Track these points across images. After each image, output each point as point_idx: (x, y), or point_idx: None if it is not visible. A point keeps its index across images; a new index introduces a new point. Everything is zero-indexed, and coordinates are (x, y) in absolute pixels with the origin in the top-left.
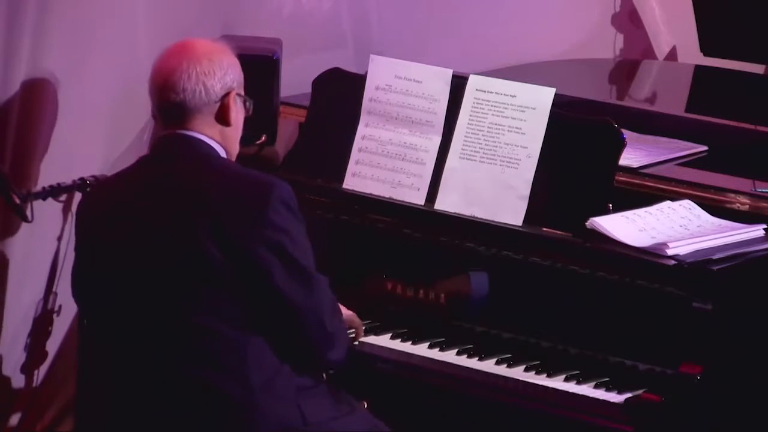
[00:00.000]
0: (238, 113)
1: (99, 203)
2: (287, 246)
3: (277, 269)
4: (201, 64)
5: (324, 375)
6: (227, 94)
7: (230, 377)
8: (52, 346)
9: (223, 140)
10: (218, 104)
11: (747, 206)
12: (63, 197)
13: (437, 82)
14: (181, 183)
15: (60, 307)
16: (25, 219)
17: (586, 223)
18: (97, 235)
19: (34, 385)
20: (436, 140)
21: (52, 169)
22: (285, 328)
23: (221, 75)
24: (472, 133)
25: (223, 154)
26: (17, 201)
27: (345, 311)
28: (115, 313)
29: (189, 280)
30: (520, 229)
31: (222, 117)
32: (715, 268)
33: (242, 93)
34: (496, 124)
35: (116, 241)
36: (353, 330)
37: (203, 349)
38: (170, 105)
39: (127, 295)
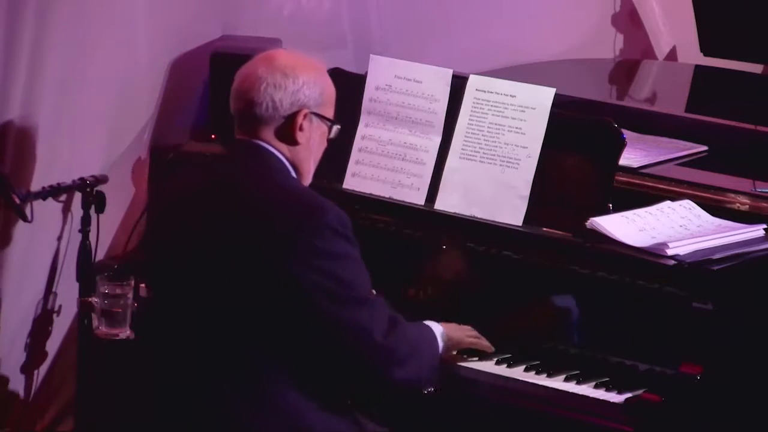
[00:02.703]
0: (312, 133)
1: (172, 192)
2: (334, 270)
3: (323, 294)
4: (274, 77)
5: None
6: (298, 112)
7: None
8: (52, 346)
9: (292, 157)
10: (286, 120)
11: (747, 206)
12: (63, 197)
13: (437, 82)
14: (236, 194)
15: (60, 307)
16: (25, 219)
17: (586, 223)
18: (160, 225)
19: (34, 385)
20: (436, 140)
21: (52, 169)
22: (337, 354)
23: (293, 90)
24: (472, 133)
25: (291, 169)
26: (17, 201)
27: (458, 334)
28: (162, 303)
29: (222, 295)
30: (520, 229)
31: (288, 134)
32: (715, 268)
33: (324, 114)
34: (496, 124)
35: (171, 235)
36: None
37: (229, 365)
38: (241, 112)
39: (172, 289)
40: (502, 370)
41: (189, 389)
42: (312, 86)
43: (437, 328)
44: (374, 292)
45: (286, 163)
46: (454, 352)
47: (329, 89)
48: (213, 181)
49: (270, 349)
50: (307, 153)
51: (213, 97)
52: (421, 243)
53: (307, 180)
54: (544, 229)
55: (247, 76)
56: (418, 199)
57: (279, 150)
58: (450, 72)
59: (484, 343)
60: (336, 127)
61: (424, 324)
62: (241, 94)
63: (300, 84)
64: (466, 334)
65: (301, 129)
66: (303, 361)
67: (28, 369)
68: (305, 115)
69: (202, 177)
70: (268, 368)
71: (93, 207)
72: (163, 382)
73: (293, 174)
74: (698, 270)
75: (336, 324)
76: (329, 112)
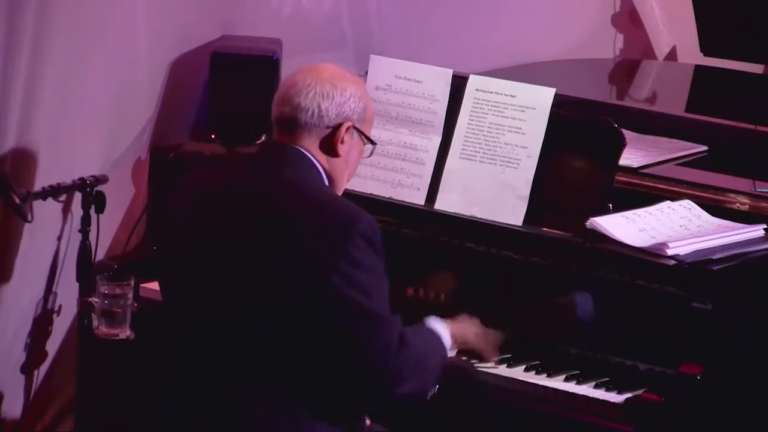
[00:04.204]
0: (351, 147)
1: (191, 193)
2: (361, 281)
3: (346, 303)
4: (323, 85)
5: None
6: (341, 124)
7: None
8: (52, 346)
9: (330, 169)
10: (329, 130)
11: (747, 206)
12: (63, 197)
13: (437, 82)
14: (272, 197)
15: (60, 307)
16: (25, 219)
17: (586, 223)
18: (181, 224)
19: (34, 385)
20: (436, 140)
21: (52, 169)
22: (345, 363)
23: (340, 102)
24: (472, 133)
25: (326, 178)
26: (17, 201)
27: (471, 337)
28: (183, 304)
29: (251, 293)
30: (520, 229)
31: (329, 144)
32: (715, 268)
33: (364, 131)
34: (496, 124)
35: (196, 234)
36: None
37: (248, 362)
38: (284, 117)
39: (194, 291)
40: (502, 370)
41: (202, 392)
42: (357, 100)
43: (444, 331)
44: None
45: (323, 172)
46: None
47: (371, 108)
48: (246, 181)
49: (285, 353)
50: (344, 166)
51: (213, 97)
52: (421, 243)
53: (341, 190)
54: (544, 229)
55: (295, 83)
56: (418, 199)
57: (317, 159)
58: (450, 72)
59: (491, 339)
60: (372, 147)
61: (431, 330)
62: (288, 99)
63: (347, 96)
64: (473, 331)
65: (342, 142)
66: (311, 368)
67: (28, 369)
68: (348, 129)
69: (233, 176)
70: (280, 372)
71: (93, 207)
72: (175, 385)
73: (327, 183)
74: (698, 270)
75: (352, 336)
76: (369, 131)
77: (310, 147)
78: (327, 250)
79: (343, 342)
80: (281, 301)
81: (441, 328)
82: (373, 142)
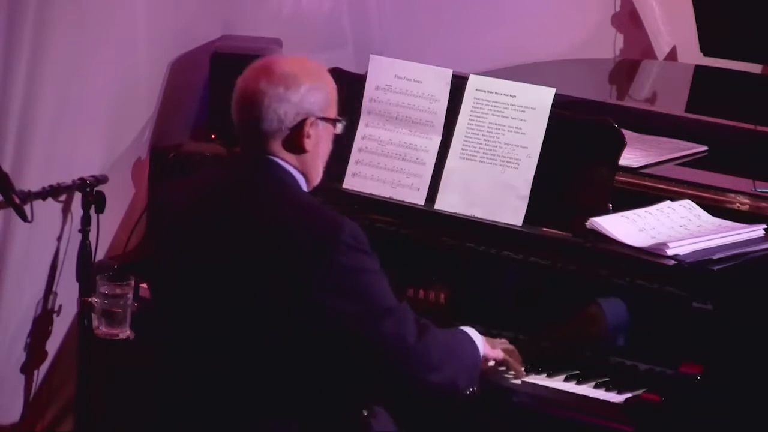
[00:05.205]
0: (319, 139)
1: (178, 206)
2: (357, 287)
3: (348, 315)
4: (276, 89)
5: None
6: (304, 120)
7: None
8: (52, 346)
9: (302, 166)
10: (291, 131)
11: (747, 206)
12: (63, 197)
13: (437, 82)
14: (250, 217)
15: (60, 307)
16: (25, 219)
17: (586, 223)
18: (168, 241)
19: (34, 385)
20: (436, 140)
21: (52, 169)
22: (372, 365)
23: (296, 101)
24: (472, 133)
25: (300, 179)
26: (17, 201)
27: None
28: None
29: (242, 321)
30: (520, 229)
31: (295, 143)
32: (715, 268)
33: (328, 115)
34: (496, 124)
35: (181, 254)
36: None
37: (242, 380)
38: (246, 127)
39: (188, 313)
40: (502, 370)
41: (198, 403)
42: (314, 92)
43: (474, 333)
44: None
45: (296, 175)
46: (491, 363)
47: (331, 88)
48: (223, 199)
49: (290, 365)
50: (315, 157)
51: (213, 97)
52: (421, 243)
53: (317, 179)
54: (544, 229)
55: (248, 89)
56: (418, 199)
57: (287, 161)
58: (450, 72)
59: (516, 357)
60: (341, 123)
61: (460, 329)
62: (244, 108)
63: (302, 93)
64: (502, 348)
65: (308, 136)
66: (323, 375)
67: (28, 369)
68: (311, 123)
69: (210, 194)
70: (285, 385)
71: (93, 207)
72: (172, 397)
73: (304, 186)
74: (698, 270)
75: (367, 339)
76: (333, 111)
77: (278, 152)
78: (316, 269)
79: (361, 347)
80: (282, 324)
81: (470, 331)
82: (340, 121)
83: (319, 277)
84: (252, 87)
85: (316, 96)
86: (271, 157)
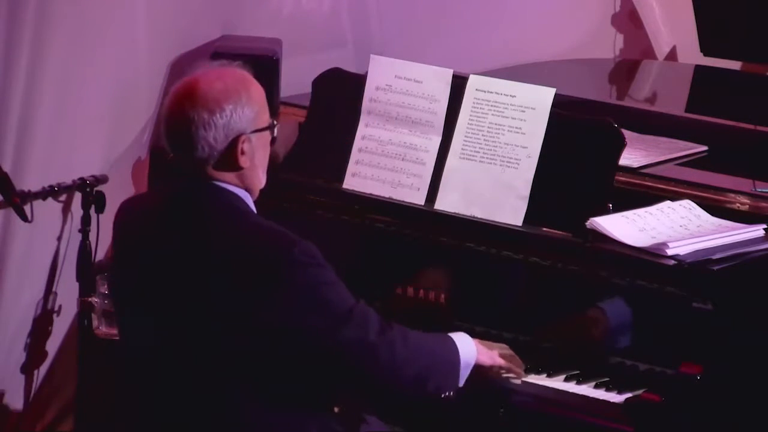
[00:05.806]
0: (255, 150)
1: (129, 224)
2: (315, 303)
3: (309, 324)
4: (200, 115)
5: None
6: (235, 140)
7: None
8: (52, 346)
9: (243, 181)
10: (224, 152)
11: (747, 206)
12: (63, 197)
13: (437, 82)
14: (196, 240)
15: (60, 307)
16: (25, 219)
17: (586, 223)
18: (123, 268)
19: (34, 385)
20: (436, 140)
21: (52, 169)
22: (340, 370)
23: (224, 123)
24: (472, 133)
25: (245, 196)
26: (17, 201)
27: (492, 355)
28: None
29: (201, 348)
30: (520, 229)
31: (231, 163)
32: (715, 268)
33: (259, 125)
34: (496, 124)
35: (137, 281)
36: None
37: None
38: (180, 154)
39: (139, 329)
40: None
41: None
42: (240, 110)
43: (469, 340)
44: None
45: (239, 193)
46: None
47: (257, 96)
48: (173, 224)
49: (255, 384)
50: (254, 168)
51: None
52: (421, 243)
53: (261, 185)
54: (544, 229)
55: (172, 117)
56: (418, 199)
57: (228, 181)
58: (450, 72)
59: (517, 362)
60: (276, 127)
61: (446, 335)
62: (173, 136)
63: (229, 114)
64: (500, 353)
65: (243, 153)
66: (294, 385)
67: (28, 369)
68: (244, 140)
69: (162, 218)
70: (252, 403)
71: (93, 207)
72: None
73: (249, 202)
74: (698, 270)
75: (332, 346)
76: (264, 118)
77: (216, 175)
78: (271, 285)
79: (322, 358)
80: (243, 349)
81: (463, 337)
82: (273, 126)
83: (276, 298)
84: (176, 114)
85: (242, 113)
86: (212, 183)
